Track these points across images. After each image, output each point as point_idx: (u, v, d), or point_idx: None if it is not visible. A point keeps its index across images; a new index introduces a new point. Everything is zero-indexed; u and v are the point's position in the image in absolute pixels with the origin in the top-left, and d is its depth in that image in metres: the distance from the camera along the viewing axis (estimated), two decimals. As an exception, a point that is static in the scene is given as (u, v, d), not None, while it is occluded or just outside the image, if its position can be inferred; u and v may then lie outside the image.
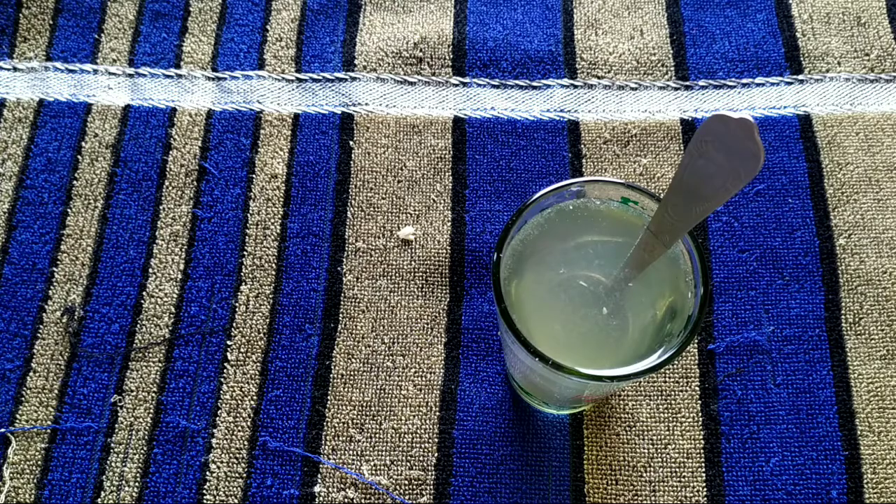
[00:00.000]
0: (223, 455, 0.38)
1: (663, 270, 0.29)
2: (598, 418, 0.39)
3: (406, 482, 0.38)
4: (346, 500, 0.37)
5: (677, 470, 0.38)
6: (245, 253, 0.43)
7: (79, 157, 0.45)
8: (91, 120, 0.46)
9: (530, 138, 0.45)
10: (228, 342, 0.41)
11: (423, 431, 0.39)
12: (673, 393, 0.39)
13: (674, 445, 0.38)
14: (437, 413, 0.39)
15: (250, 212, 0.44)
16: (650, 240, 0.27)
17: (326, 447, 0.39)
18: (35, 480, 0.38)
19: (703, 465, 0.38)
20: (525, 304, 0.29)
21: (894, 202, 0.43)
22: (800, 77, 0.47)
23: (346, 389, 0.40)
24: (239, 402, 0.40)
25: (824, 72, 0.47)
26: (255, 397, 0.40)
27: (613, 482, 0.38)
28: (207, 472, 0.38)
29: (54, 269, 0.42)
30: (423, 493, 0.38)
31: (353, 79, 0.47)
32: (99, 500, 0.38)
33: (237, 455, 0.38)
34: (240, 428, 0.39)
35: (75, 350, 0.40)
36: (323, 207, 0.44)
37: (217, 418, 0.39)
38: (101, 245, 0.43)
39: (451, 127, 0.46)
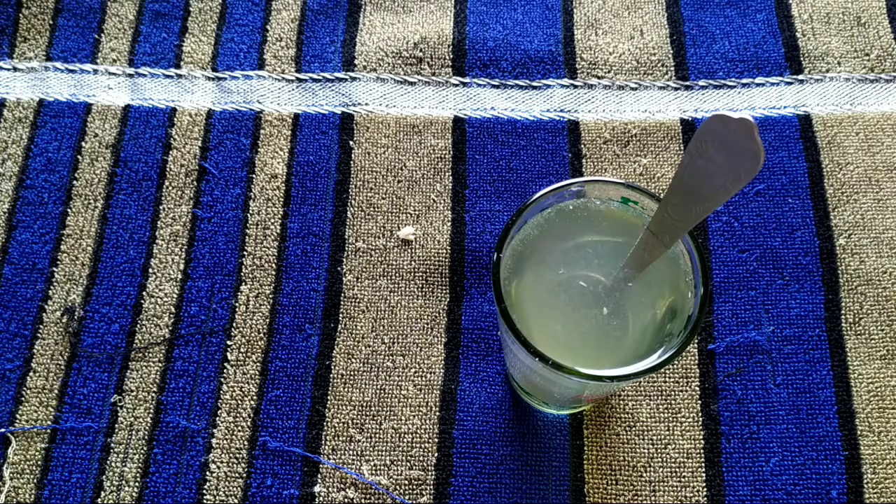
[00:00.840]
0: (223, 455, 0.38)
1: (663, 270, 0.29)
2: (598, 418, 0.39)
3: (406, 482, 0.38)
4: (346, 500, 0.38)
5: (677, 470, 0.38)
6: (245, 253, 0.43)
7: (79, 157, 0.45)
8: (91, 120, 0.46)
9: (530, 138, 0.45)
10: (228, 342, 0.41)
11: (423, 431, 0.39)
12: (673, 393, 0.39)
13: (674, 445, 0.38)
14: (437, 413, 0.39)
15: (250, 212, 0.44)
16: (650, 240, 0.27)
17: (326, 447, 0.39)
18: (35, 480, 0.38)
19: (703, 465, 0.38)
20: (525, 304, 0.29)
21: (894, 202, 0.43)
22: (800, 77, 0.47)
23: (346, 389, 0.40)
24: (239, 402, 0.40)
25: (824, 72, 0.47)
26: (255, 397, 0.40)
27: (613, 482, 0.38)
28: (207, 472, 0.38)
29: (54, 269, 0.42)
30: (423, 493, 0.38)
31: (353, 79, 0.47)
32: (99, 500, 0.38)
33: (237, 455, 0.38)
34: (240, 428, 0.39)
35: (75, 350, 0.40)
36: (323, 207, 0.44)
37: (217, 418, 0.39)
38: (101, 245, 0.43)
39: (451, 127, 0.46)
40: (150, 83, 0.47)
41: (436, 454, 0.38)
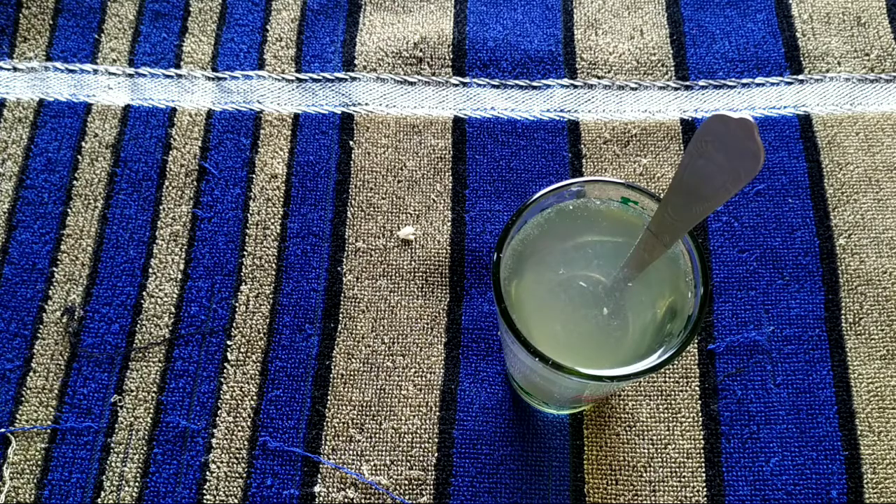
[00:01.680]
0: (223, 455, 0.38)
1: (663, 270, 0.29)
2: (598, 418, 0.39)
3: (406, 482, 0.38)
4: (346, 500, 0.37)
5: (677, 470, 0.38)
6: (245, 253, 0.43)
7: (79, 157, 0.45)
8: (91, 120, 0.46)
9: (530, 138, 0.45)
10: (228, 342, 0.41)
11: (423, 431, 0.39)
12: (673, 393, 0.39)
13: (674, 445, 0.38)
14: (437, 413, 0.39)
15: (250, 212, 0.44)
16: (650, 240, 0.27)
17: (326, 447, 0.39)
18: (35, 480, 0.38)
19: (703, 465, 0.38)
20: (525, 304, 0.29)
21: (894, 202, 0.43)
22: (800, 77, 0.47)
23: (346, 389, 0.40)
24: (239, 402, 0.40)
25: (824, 72, 0.47)
26: (255, 397, 0.40)
27: (613, 482, 0.38)
28: (207, 472, 0.38)
29: (54, 269, 0.42)
30: (423, 493, 0.38)
31: (353, 79, 0.47)
32: (99, 500, 0.38)
33: (237, 455, 0.38)
34: (240, 428, 0.39)
35: (75, 350, 0.40)
36: (323, 207, 0.44)
37: (217, 418, 0.39)
38: (101, 245, 0.43)
39: (451, 127, 0.46)
40: (150, 83, 0.47)
41: (436, 454, 0.38)
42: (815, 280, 0.41)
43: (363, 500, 0.38)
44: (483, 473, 0.38)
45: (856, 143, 0.44)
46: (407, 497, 0.38)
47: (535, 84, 0.47)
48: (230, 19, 0.49)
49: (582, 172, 0.45)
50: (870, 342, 0.40)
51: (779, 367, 0.40)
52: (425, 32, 0.48)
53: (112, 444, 0.39)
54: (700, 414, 0.39)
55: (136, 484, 0.38)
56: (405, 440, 0.39)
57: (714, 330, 0.40)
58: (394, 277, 0.42)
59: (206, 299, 0.42)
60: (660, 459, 0.38)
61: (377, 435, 0.39)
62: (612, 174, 0.44)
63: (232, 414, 0.39)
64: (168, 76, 0.48)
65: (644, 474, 0.38)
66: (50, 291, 0.42)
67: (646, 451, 0.38)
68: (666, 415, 0.39)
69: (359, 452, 0.38)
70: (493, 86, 0.47)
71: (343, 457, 0.38)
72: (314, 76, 0.47)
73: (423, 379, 0.40)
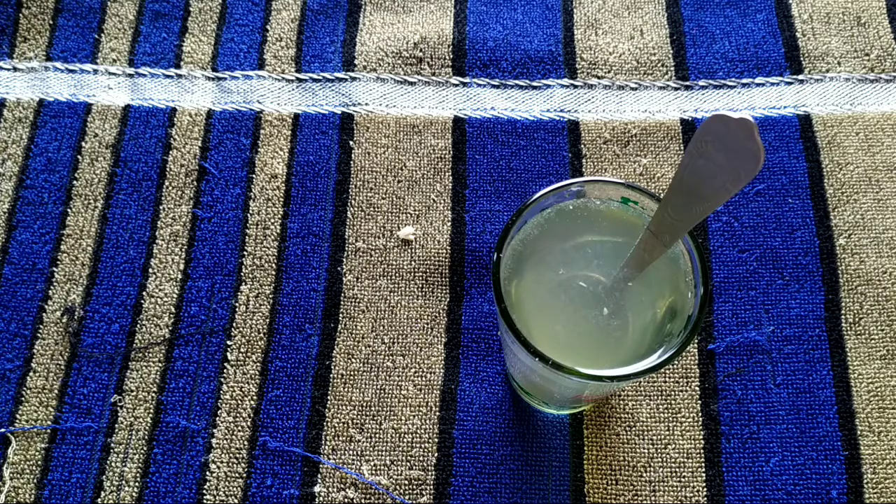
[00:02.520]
0: (223, 455, 0.38)
1: (663, 270, 0.29)
2: (598, 418, 0.39)
3: (406, 482, 0.38)
4: (346, 500, 0.37)
5: (677, 470, 0.38)
6: (245, 253, 0.43)
7: (79, 157, 0.45)
8: (91, 120, 0.46)
9: (530, 138, 0.45)
10: (228, 342, 0.41)
11: (423, 431, 0.39)
12: (673, 393, 0.39)
13: (674, 445, 0.38)
14: (437, 413, 0.39)
15: (250, 212, 0.44)
16: (650, 240, 0.27)
17: (326, 447, 0.39)
18: (35, 480, 0.38)
19: (703, 465, 0.38)
20: (525, 305, 0.29)
21: (894, 202, 0.43)
22: (800, 77, 0.47)
23: (346, 389, 0.40)
24: (239, 402, 0.40)
25: (824, 72, 0.47)
26: (255, 397, 0.40)
27: (613, 482, 0.38)
28: (207, 472, 0.38)
29: (54, 269, 0.42)
30: (423, 493, 0.38)
31: (353, 79, 0.47)
32: (99, 500, 0.38)
33: (237, 455, 0.38)
34: (240, 428, 0.39)
35: (75, 350, 0.40)
36: (323, 207, 0.44)
37: (217, 418, 0.39)
38: (101, 245, 0.43)
39: (451, 127, 0.46)
40: (150, 83, 0.47)
41: (436, 454, 0.38)
42: (815, 280, 0.41)
43: (363, 500, 0.38)
44: (483, 473, 0.38)
45: (856, 143, 0.44)
46: (407, 497, 0.38)
47: (535, 84, 0.47)
48: (230, 19, 0.49)
49: (582, 172, 0.45)
50: (870, 342, 0.40)
51: (779, 367, 0.40)
52: (425, 32, 0.48)
53: (112, 444, 0.39)
54: (700, 414, 0.39)
55: (136, 484, 0.38)
56: (405, 440, 0.39)
57: (714, 330, 0.40)
58: (394, 277, 0.42)
59: (206, 299, 0.42)
60: (660, 459, 0.38)
61: (377, 435, 0.39)
62: (612, 174, 0.44)
63: (232, 414, 0.39)
64: (168, 76, 0.48)
65: (644, 474, 0.38)
66: (50, 291, 0.42)
67: (646, 451, 0.38)
68: (666, 415, 0.39)
69: (359, 452, 0.38)
70: (493, 86, 0.47)
71: (343, 457, 0.38)
72: (314, 76, 0.47)
73: (423, 379, 0.40)
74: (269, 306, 0.41)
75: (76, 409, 0.39)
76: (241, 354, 0.40)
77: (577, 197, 0.30)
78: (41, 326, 0.41)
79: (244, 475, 0.38)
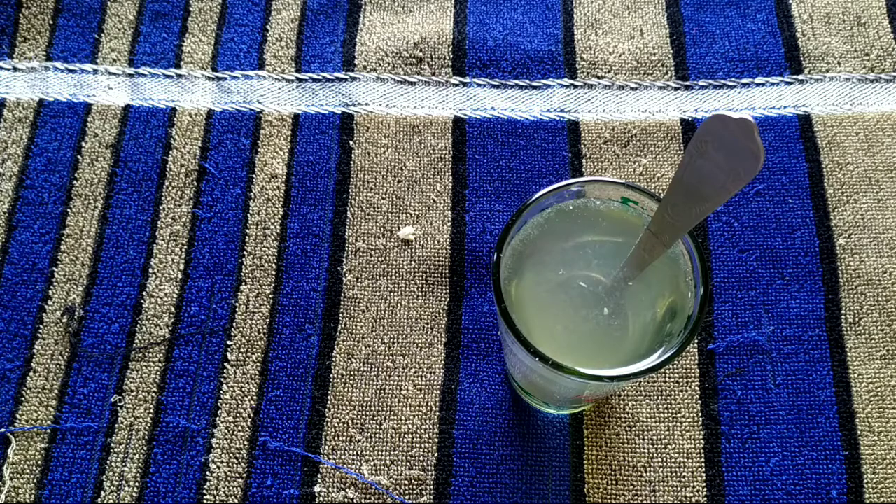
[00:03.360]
0: (223, 455, 0.38)
1: (663, 270, 0.29)
2: (598, 418, 0.39)
3: (406, 482, 0.38)
4: (346, 500, 0.38)
5: (677, 470, 0.38)
6: (245, 253, 0.43)
7: (79, 157, 0.45)
8: (91, 120, 0.46)
9: (530, 138, 0.45)
10: (228, 342, 0.41)
11: (423, 431, 0.39)
12: (673, 393, 0.39)
13: (674, 445, 0.38)
14: (437, 413, 0.39)
15: (250, 212, 0.44)
16: (650, 240, 0.27)
17: (326, 447, 0.39)
18: (35, 480, 0.38)
19: (703, 465, 0.38)
20: (525, 305, 0.29)
21: (894, 202, 0.43)
22: (800, 77, 0.47)
23: (346, 389, 0.40)
24: (239, 402, 0.40)
25: (824, 72, 0.47)
26: (255, 397, 0.40)
27: (613, 482, 0.38)
28: (207, 472, 0.38)
29: (54, 269, 0.42)
30: (423, 493, 0.38)
31: (353, 79, 0.47)
32: (99, 500, 0.38)
33: (237, 455, 0.38)
34: (240, 428, 0.39)
35: (75, 350, 0.41)
36: (323, 207, 0.44)
37: (217, 418, 0.39)
38: (101, 245, 0.43)
39: (451, 127, 0.46)
40: (150, 83, 0.47)
41: (436, 454, 0.38)
42: (815, 280, 0.41)
43: (363, 500, 0.38)
44: (483, 473, 0.38)
45: (856, 143, 0.44)
46: (407, 497, 0.38)
47: (535, 84, 0.47)
48: (230, 19, 0.49)
49: (582, 172, 0.45)
50: (870, 342, 0.40)
51: (779, 367, 0.40)
52: (425, 32, 0.48)
53: (112, 444, 0.39)
54: (700, 414, 0.39)
55: (136, 484, 0.38)
56: (405, 440, 0.39)
57: (714, 330, 0.40)
58: (394, 277, 0.42)
59: (206, 299, 0.42)
60: (660, 459, 0.38)
61: (377, 435, 0.39)
62: (612, 174, 0.44)
63: (232, 414, 0.39)
64: (168, 76, 0.48)
65: (644, 474, 0.38)
66: (50, 291, 0.42)
67: (646, 451, 0.38)
68: (666, 415, 0.39)
69: (359, 452, 0.38)
70: (493, 86, 0.47)
71: (343, 457, 0.38)
72: (314, 76, 0.47)
73: (423, 379, 0.40)
74: (269, 306, 0.41)
75: (76, 409, 0.39)
76: (241, 354, 0.40)
77: (577, 197, 0.30)
78: (41, 326, 0.41)
79: (244, 475, 0.38)
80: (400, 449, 0.39)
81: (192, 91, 0.47)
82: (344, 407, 0.39)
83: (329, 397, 0.40)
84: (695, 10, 0.49)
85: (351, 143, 0.45)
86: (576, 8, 0.49)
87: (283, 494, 0.38)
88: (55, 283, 0.42)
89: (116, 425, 0.39)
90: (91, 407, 0.39)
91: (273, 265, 0.42)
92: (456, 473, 0.38)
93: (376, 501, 0.38)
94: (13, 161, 0.45)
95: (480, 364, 0.40)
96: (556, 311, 0.30)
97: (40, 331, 0.41)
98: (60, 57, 0.48)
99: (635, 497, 0.37)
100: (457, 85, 0.47)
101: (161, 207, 0.44)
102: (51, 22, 0.49)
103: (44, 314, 0.41)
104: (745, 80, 0.47)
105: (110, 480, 0.38)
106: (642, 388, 0.40)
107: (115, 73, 0.48)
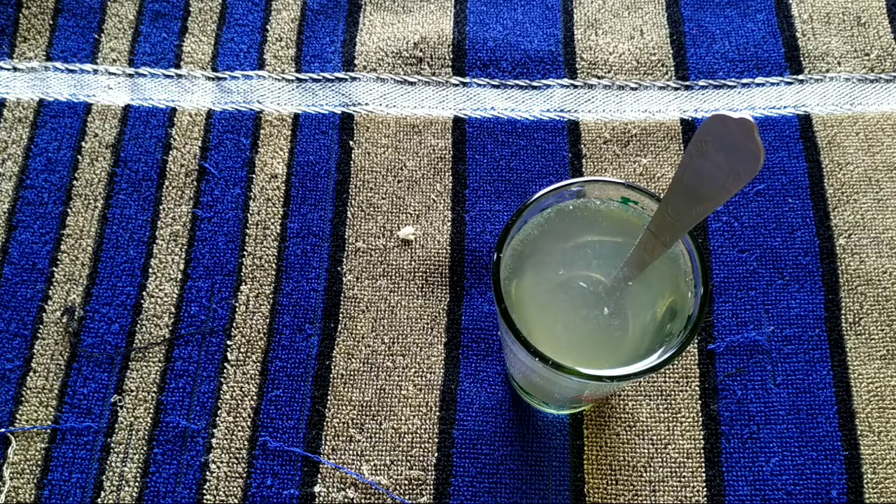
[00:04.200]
0: (223, 455, 0.38)
1: (663, 270, 0.29)
2: (598, 418, 0.39)
3: (406, 482, 0.38)
4: (346, 500, 0.38)
5: (677, 470, 0.38)
6: (245, 253, 0.43)
7: (79, 157, 0.45)
8: (91, 120, 0.46)
9: (530, 138, 0.45)
10: (228, 342, 0.41)
11: (423, 431, 0.39)
12: (673, 393, 0.39)
13: (674, 445, 0.38)
14: (437, 413, 0.39)
15: (250, 212, 0.44)
16: (650, 240, 0.27)
17: (326, 447, 0.39)
18: (35, 480, 0.38)
19: (703, 465, 0.38)
20: (525, 305, 0.29)
21: (894, 202, 0.43)
22: (800, 77, 0.47)
23: (346, 389, 0.40)
24: (239, 402, 0.40)
25: (824, 72, 0.47)
26: (255, 397, 0.40)
27: (613, 482, 0.38)
28: (207, 472, 0.38)
29: (54, 269, 0.42)
30: (423, 493, 0.38)
31: (353, 79, 0.47)
32: (99, 500, 0.38)
33: (237, 455, 0.38)
34: (240, 428, 0.39)
35: (75, 350, 0.41)
36: (323, 207, 0.44)
37: (217, 418, 0.39)
38: (101, 245, 0.43)
39: (451, 127, 0.46)
40: (150, 83, 0.47)
41: (436, 454, 0.38)
42: (815, 280, 0.41)
43: (363, 500, 0.38)
44: (483, 473, 0.38)
45: (856, 143, 0.44)
46: (407, 497, 0.38)
47: (535, 84, 0.47)
48: (230, 19, 0.49)
49: (582, 172, 0.45)
50: (870, 342, 0.40)
51: (779, 367, 0.40)
52: (425, 32, 0.48)
53: (112, 444, 0.39)
54: (700, 414, 0.39)
55: (136, 484, 0.38)
56: (405, 440, 0.39)
57: (714, 330, 0.40)
58: (394, 277, 0.42)
59: (206, 299, 0.42)
60: (660, 459, 0.38)
61: (377, 435, 0.39)
62: (612, 174, 0.44)
63: (232, 414, 0.39)
64: (168, 76, 0.48)
65: (644, 474, 0.38)
66: (50, 291, 0.42)
67: (646, 451, 0.38)
68: (666, 415, 0.39)
69: (359, 452, 0.38)
70: (493, 86, 0.47)
71: (343, 457, 0.38)
72: (314, 76, 0.47)
73: (423, 379, 0.40)
74: (269, 306, 0.41)
75: (76, 409, 0.39)
76: (241, 354, 0.40)
77: (577, 197, 0.30)
78: (41, 326, 0.41)
79: (244, 475, 0.38)
80: (400, 449, 0.39)
81: (192, 91, 0.47)
82: (344, 407, 0.39)
83: (329, 397, 0.40)
84: (695, 10, 0.49)
85: (351, 143, 0.45)
86: (576, 8, 0.49)
87: (283, 494, 0.38)
88: (55, 283, 0.42)
89: (116, 425, 0.39)
90: (91, 407, 0.39)
91: (273, 265, 0.42)
92: (456, 473, 0.38)
93: (376, 501, 0.38)
94: (13, 161, 0.45)
95: (480, 364, 0.40)
96: (556, 311, 0.30)
97: (40, 331, 0.41)
98: (60, 57, 0.48)
99: (635, 497, 0.37)
100: (457, 85, 0.47)
101: (161, 207, 0.44)
102: (51, 22, 0.49)
103: (44, 314, 0.41)
104: (745, 80, 0.47)
105: (110, 480, 0.38)
106: (642, 388, 0.40)
107: (115, 73, 0.48)
